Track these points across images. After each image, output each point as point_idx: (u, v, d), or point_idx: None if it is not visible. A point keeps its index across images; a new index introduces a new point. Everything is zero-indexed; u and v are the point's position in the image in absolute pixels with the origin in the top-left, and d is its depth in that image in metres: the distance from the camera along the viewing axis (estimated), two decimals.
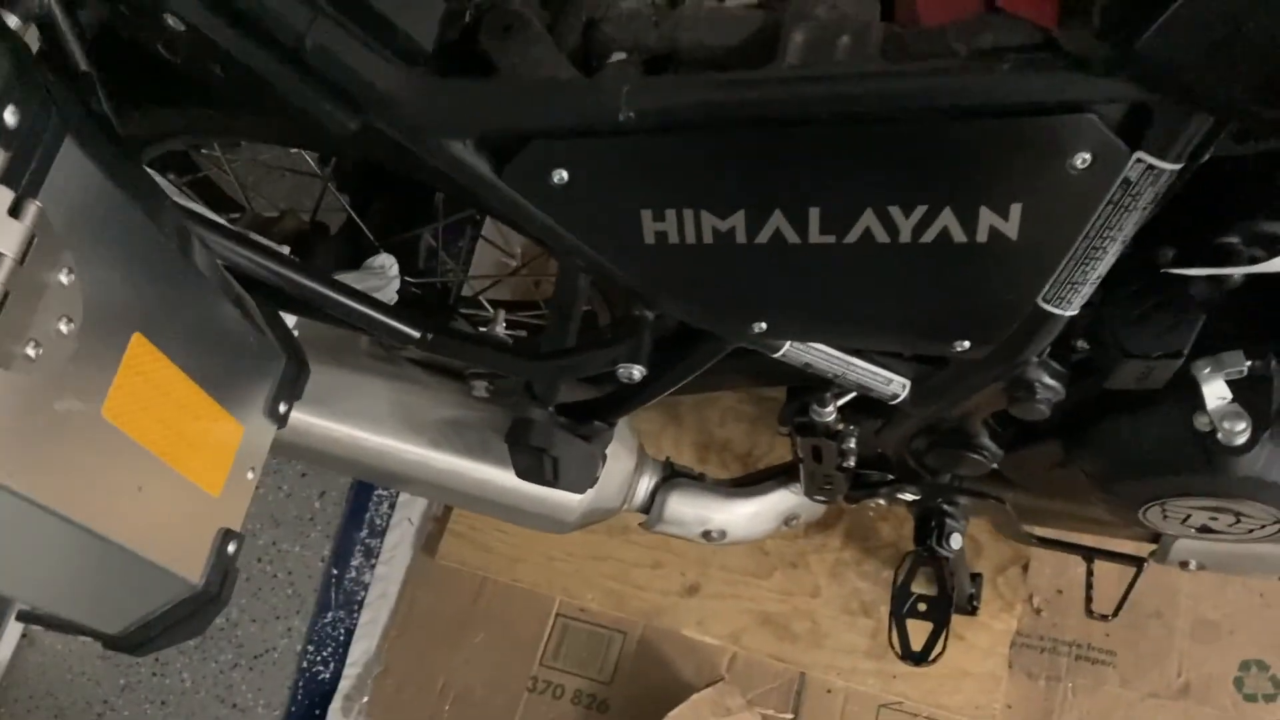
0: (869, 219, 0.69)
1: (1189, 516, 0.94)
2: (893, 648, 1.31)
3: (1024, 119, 0.62)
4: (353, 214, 1.27)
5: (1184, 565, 1.09)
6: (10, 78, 0.52)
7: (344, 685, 1.66)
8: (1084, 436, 0.94)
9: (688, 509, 1.20)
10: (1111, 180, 0.63)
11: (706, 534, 1.22)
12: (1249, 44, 0.54)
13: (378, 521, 1.78)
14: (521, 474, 1.01)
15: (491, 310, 1.45)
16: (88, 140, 0.57)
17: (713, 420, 1.67)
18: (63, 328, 0.56)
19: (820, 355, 0.85)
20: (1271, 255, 0.71)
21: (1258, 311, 0.80)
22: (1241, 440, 0.82)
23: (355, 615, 1.71)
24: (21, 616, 0.68)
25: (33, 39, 0.63)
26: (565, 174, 0.71)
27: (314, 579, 1.78)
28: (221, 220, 0.89)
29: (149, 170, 0.84)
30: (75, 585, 0.67)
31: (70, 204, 0.56)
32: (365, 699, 1.64)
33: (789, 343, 0.84)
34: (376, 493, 1.80)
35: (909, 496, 1.20)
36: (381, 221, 1.30)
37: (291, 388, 0.84)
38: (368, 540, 1.77)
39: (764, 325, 0.80)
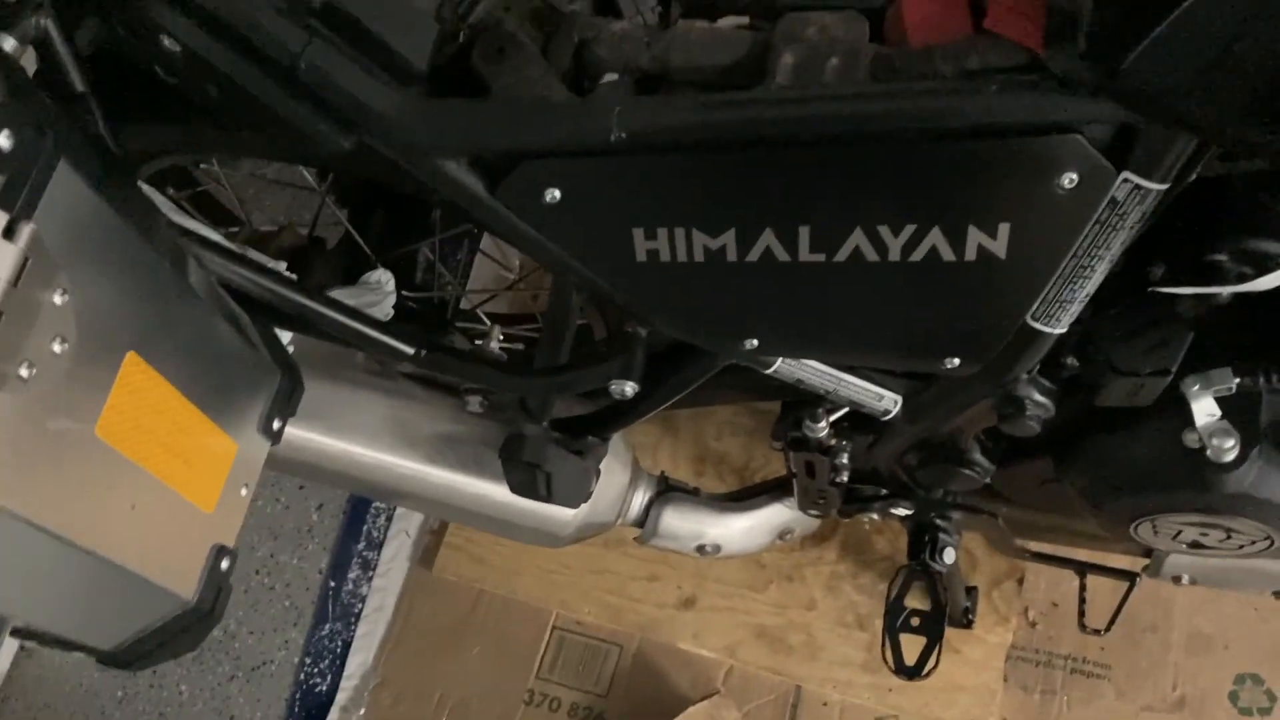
0: (858, 238, 0.69)
1: (1180, 532, 0.95)
2: (886, 663, 1.31)
3: (1011, 140, 0.62)
4: (350, 229, 1.28)
5: (1177, 580, 1.09)
6: (5, 101, 0.53)
7: (341, 697, 1.66)
8: (1074, 453, 0.94)
9: (682, 524, 1.20)
10: (1099, 200, 0.64)
11: (701, 548, 1.22)
12: (1236, 66, 0.54)
13: (375, 534, 1.78)
14: (515, 489, 1.01)
15: (489, 324, 1.45)
16: (82, 162, 0.58)
17: (709, 433, 1.67)
18: (56, 348, 0.57)
19: (812, 371, 0.86)
20: (1260, 273, 0.71)
21: (1246, 329, 0.80)
22: (1230, 457, 0.82)
23: (352, 627, 1.71)
24: (16, 633, 0.68)
25: (29, 60, 0.64)
26: (558, 193, 0.72)
27: (311, 591, 1.78)
28: (217, 237, 0.90)
29: (144, 188, 0.85)
30: (68, 602, 0.67)
31: (64, 225, 0.57)
32: (362, 711, 1.64)
33: (780, 359, 0.84)
34: (374, 506, 1.80)
35: (902, 511, 1.20)
36: (379, 236, 1.31)
37: (286, 404, 0.85)
38: (365, 553, 1.77)
39: (755, 342, 0.80)
